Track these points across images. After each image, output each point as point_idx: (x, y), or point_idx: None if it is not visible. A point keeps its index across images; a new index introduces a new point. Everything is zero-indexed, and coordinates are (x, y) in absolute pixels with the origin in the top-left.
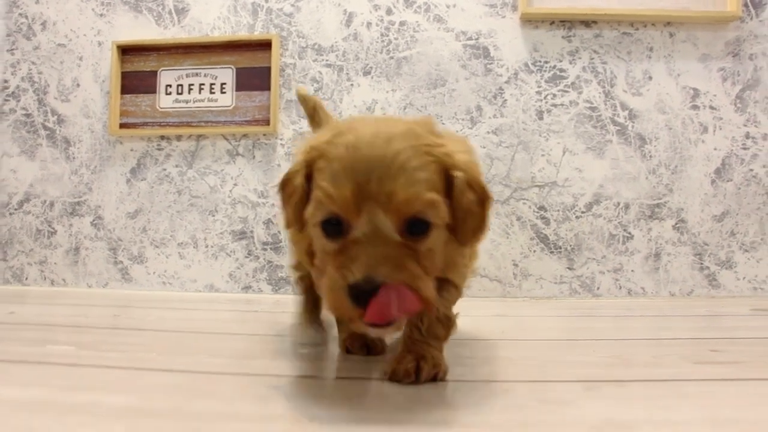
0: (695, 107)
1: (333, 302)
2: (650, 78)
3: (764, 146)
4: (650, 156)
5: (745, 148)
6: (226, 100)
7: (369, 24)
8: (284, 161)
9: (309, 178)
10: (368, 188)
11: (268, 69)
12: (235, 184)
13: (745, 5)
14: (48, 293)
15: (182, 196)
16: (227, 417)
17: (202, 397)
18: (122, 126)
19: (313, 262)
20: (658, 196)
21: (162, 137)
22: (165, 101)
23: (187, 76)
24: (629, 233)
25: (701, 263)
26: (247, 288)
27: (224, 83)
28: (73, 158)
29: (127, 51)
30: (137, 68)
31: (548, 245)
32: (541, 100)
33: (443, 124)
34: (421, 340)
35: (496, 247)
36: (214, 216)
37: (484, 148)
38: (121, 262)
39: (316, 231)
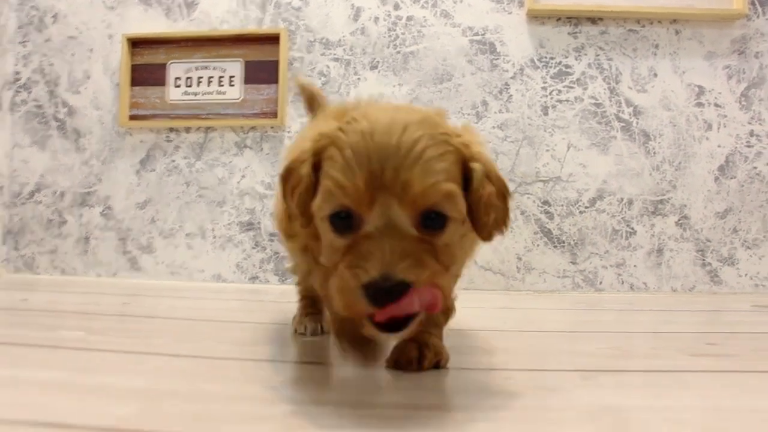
0: (700, 104)
1: (345, 304)
2: (655, 75)
3: None
4: (654, 152)
5: (749, 146)
6: (235, 93)
7: (376, 19)
8: None
9: (316, 167)
10: (382, 178)
11: (276, 62)
12: (243, 176)
13: (752, 3)
14: (58, 282)
15: (190, 187)
16: (233, 399)
17: (209, 381)
18: (132, 118)
19: (313, 261)
20: (661, 192)
21: (171, 129)
22: (174, 93)
23: (196, 68)
24: (632, 229)
25: (703, 259)
26: (254, 278)
27: (233, 76)
28: (84, 149)
29: (137, 44)
30: (147, 61)
31: (552, 239)
32: (547, 96)
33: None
34: (422, 328)
35: (499, 240)
36: (221, 207)
37: (490, 142)
38: (130, 251)
39: (324, 225)
